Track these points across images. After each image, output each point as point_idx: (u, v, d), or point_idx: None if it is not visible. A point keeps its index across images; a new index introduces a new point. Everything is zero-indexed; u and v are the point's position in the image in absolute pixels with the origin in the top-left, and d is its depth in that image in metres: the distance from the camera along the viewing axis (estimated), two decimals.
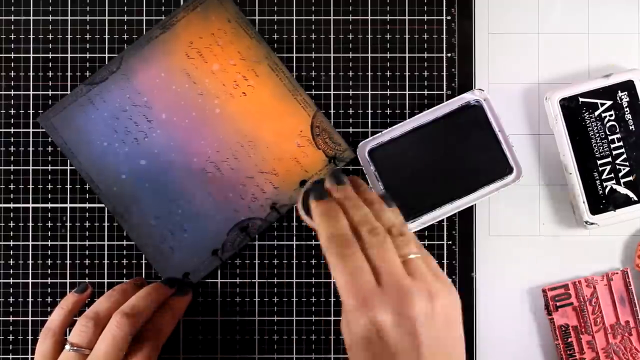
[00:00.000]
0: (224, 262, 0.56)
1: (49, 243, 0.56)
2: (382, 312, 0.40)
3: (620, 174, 0.54)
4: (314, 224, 0.45)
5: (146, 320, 0.51)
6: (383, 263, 0.42)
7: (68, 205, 0.56)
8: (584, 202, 0.54)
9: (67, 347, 0.49)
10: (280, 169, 0.55)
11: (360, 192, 0.46)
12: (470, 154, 0.54)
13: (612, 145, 0.54)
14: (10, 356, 0.56)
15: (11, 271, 0.56)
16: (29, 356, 0.56)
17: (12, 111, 0.56)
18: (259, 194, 0.55)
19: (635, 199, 0.54)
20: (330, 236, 0.43)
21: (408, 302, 0.41)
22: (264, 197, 0.55)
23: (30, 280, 0.56)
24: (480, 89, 0.55)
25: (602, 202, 0.54)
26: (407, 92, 0.56)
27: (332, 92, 0.57)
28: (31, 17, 0.56)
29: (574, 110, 0.54)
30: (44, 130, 0.56)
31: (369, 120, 0.56)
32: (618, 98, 0.54)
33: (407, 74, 0.57)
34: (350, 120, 0.56)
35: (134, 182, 0.55)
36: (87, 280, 0.56)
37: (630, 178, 0.54)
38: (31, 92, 0.56)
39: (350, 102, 0.56)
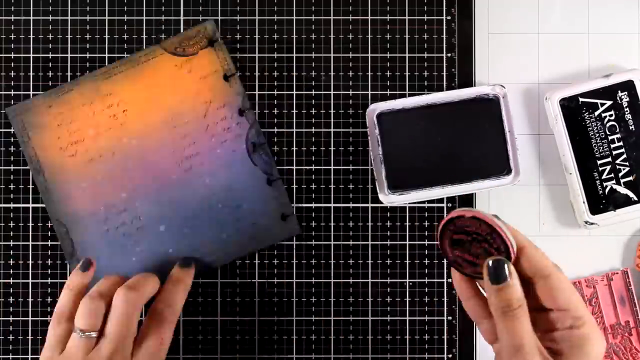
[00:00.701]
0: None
1: (49, 243, 0.56)
2: None
3: (620, 174, 0.54)
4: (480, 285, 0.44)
5: (152, 296, 0.50)
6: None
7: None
8: (584, 202, 0.54)
9: (76, 333, 0.47)
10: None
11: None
12: (474, 144, 0.54)
13: (612, 145, 0.54)
14: (10, 356, 0.56)
15: (11, 271, 0.56)
16: (29, 356, 0.56)
17: None
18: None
19: (635, 199, 0.54)
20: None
21: None
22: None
23: (30, 281, 0.56)
24: (501, 85, 0.54)
25: (602, 202, 0.54)
26: (407, 92, 0.56)
27: (332, 92, 0.57)
28: (31, 17, 0.56)
29: (574, 110, 0.54)
30: None
31: None
32: (618, 98, 0.54)
33: (407, 74, 0.57)
34: (351, 121, 0.56)
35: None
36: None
37: (630, 178, 0.54)
38: (31, 92, 0.56)
39: (350, 102, 0.56)
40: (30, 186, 0.56)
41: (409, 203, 0.56)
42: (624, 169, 0.54)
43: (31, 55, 0.56)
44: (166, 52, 0.55)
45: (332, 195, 0.56)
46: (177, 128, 0.55)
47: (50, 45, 0.56)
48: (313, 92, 0.57)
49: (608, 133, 0.54)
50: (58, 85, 0.56)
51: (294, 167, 0.56)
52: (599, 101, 0.54)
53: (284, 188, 0.56)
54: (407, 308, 0.56)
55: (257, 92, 0.56)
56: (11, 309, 0.56)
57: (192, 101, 0.55)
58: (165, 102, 0.55)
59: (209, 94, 0.55)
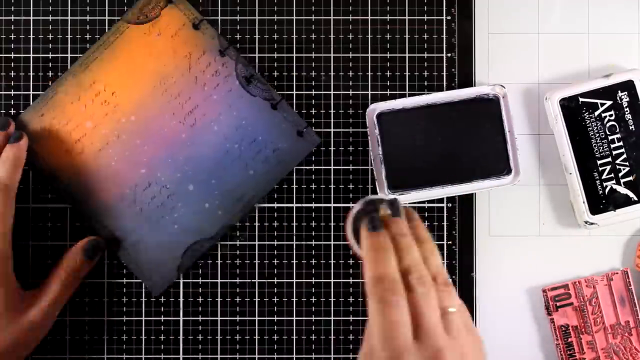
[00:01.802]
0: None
1: (49, 243, 0.56)
2: None
3: (620, 174, 0.54)
4: (362, 253, 0.43)
5: None
6: (424, 318, 0.40)
7: (68, 205, 0.56)
8: (584, 202, 0.54)
9: None
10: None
11: (413, 225, 0.44)
12: (474, 144, 0.54)
13: (612, 145, 0.54)
14: None
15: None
16: (30, 356, 0.56)
17: (12, 111, 0.56)
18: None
19: (635, 199, 0.54)
20: (377, 278, 0.41)
21: None
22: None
23: (30, 281, 0.56)
24: (501, 85, 0.54)
25: (602, 202, 0.54)
26: (407, 92, 0.56)
27: (332, 92, 0.57)
28: (31, 17, 0.56)
29: (574, 110, 0.54)
30: None
31: None
32: (618, 98, 0.54)
33: (407, 74, 0.57)
34: (350, 120, 0.56)
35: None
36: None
37: (630, 178, 0.54)
38: (31, 92, 0.56)
39: (350, 102, 0.56)
40: (31, 186, 0.56)
41: (409, 203, 0.56)
42: (624, 169, 0.54)
43: (31, 55, 0.56)
44: (131, 24, 0.56)
45: (332, 195, 0.56)
46: (168, 90, 0.56)
47: (50, 45, 0.56)
48: (313, 92, 0.57)
49: (608, 133, 0.54)
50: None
51: (294, 167, 0.56)
52: (599, 101, 0.54)
53: (289, 106, 0.56)
54: None
55: None
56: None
57: (172, 60, 0.56)
58: (148, 71, 0.56)
59: (186, 48, 0.56)
